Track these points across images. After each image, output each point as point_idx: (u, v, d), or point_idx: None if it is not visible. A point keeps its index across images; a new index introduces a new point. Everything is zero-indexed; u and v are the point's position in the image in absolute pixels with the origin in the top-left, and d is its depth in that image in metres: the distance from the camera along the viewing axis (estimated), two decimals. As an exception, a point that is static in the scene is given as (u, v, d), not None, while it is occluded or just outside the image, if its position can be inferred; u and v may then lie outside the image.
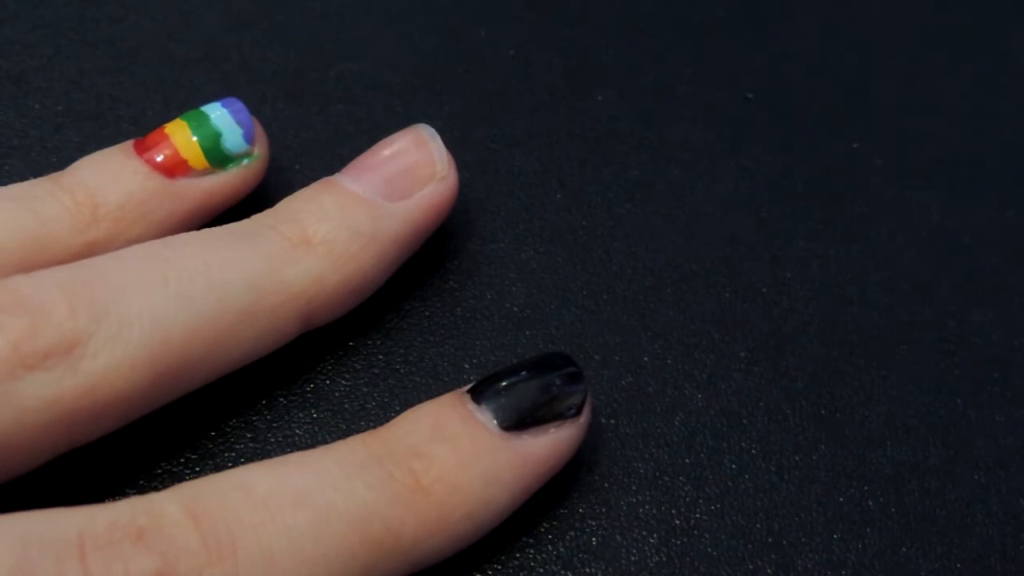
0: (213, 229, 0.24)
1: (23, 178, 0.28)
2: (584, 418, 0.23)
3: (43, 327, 0.21)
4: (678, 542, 0.24)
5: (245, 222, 0.25)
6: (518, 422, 0.22)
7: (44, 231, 0.23)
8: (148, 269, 0.22)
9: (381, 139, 0.26)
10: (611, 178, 0.30)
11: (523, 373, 0.23)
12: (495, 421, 0.22)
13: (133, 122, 0.29)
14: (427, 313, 0.27)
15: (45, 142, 0.29)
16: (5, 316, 0.21)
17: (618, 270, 0.28)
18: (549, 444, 0.23)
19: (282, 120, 0.30)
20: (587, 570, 0.24)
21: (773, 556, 0.24)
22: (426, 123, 0.27)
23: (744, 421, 0.26)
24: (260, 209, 0.26)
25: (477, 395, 0.23)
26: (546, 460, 0.23)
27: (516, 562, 0.24)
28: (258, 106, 0.30)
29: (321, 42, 0.31)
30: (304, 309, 0.24)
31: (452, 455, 0.22)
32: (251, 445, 0.25)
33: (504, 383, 0.23)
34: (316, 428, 0.25)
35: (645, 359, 0.27)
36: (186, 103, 0.30)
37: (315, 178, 0.28)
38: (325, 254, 0.24)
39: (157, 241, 0.23)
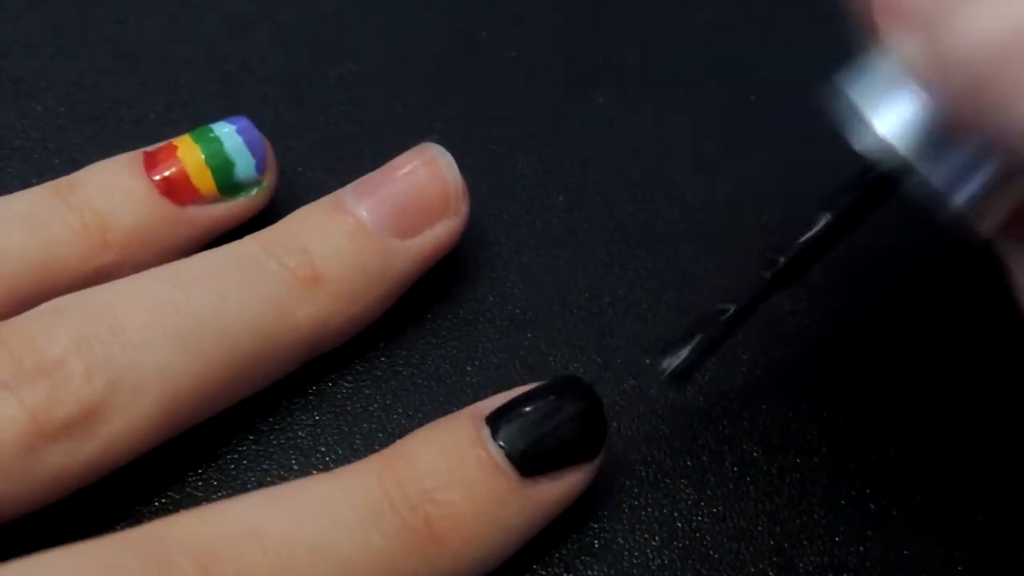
0: (220, 256, 0.24)
1: (24, 180, 0.28)
2: (600, 457, 0.23)
3: (62, 396, 0.20)
4: (680, 544, 0.24)
5: (251, 244, 0.24)
6: (538, 469, 0.22)
7: (53, 256, 0.23)
8: (161, 318, 0.22)
9: (380, 142, 0.26)
10: (612, 180, 0.30)
11: (546, 412, 0.22)
12: (514, 468, 0.22)
13: (135, 123, 0.29)
14: (429, 315, 0.27)
15: (47, 143, 0.29)
16: (23, 383, 0.20)
17: (619, 272, 0.28)
18: (565, 488, 0.22)
19: (283, 121, 0.30)
20: (589, 572, 0.24)
21: (775, 558, 0.24)
22: (426, 124, 0.26)
23: (746, 423, 0.26)
24: (260, 211, 0.26)
25: (497, 430, 0.22)
26: (559, 504, 0.23)
27: (518, 565, 0.24)
28: (259, 107, 0.30)
29: (322, 43, 0.31)
30: (309, 348, 0.24)
31: (469, 504, 0.21)
32: (253, 447, 0.25)
33: (526, 423, 0.22)
34: (318, 430, 0.25)
35: (647, 361, 0.27)
36: (188, 104, 0.30)
37: (315, 179, 0.28)
38: (333, 294, 0.24)
39: (166, 275, 0.23)
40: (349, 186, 0.25)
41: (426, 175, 0.25)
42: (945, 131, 0.20)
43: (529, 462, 0.22)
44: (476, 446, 0.22)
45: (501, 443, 0.22)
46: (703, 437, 0.26)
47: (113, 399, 0.21)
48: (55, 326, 0.21)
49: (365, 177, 0.25)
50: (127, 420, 0.21)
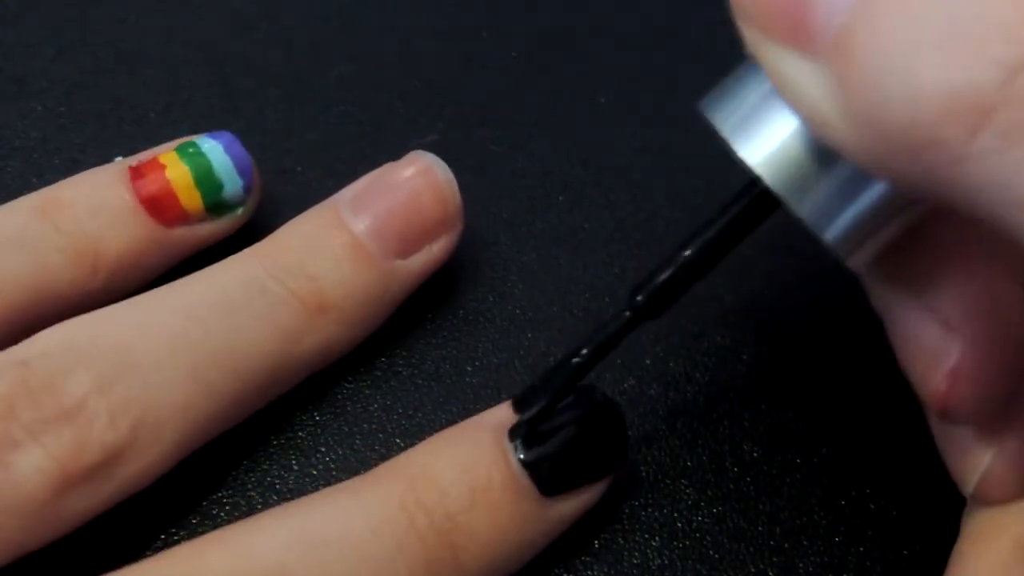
0: (230, 286, 0.23)
1: (25, 179, 0.28)
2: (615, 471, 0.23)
3: (87, 443, 0.20)
4: (680, 544, 0.24)
5: (257, 270, 0.23)
6: (560, 490, 0.22)
7: (45, 284, 0.23)
8: (177, 356, 0.22)
9: (380, 142, 0.26)
10: (613, 180, 0.30)
11: (571, 431, 0.22)
12: (537, 488, 0.22)
13: (135, 123, 0.29)
14: (429, 315, 0.27)
15: (47, 143, 0.29)
16: (49, 432, 0.20)
17: (620, 272, 0.28)
18: (581, 504, 0.22)
19: (283, 122, 0.30)
20: (589, 572, 0.24)
21: (775, 559, 0.24)
22: (426, 124, 0.26)
23: (746, 424, 0.26)
24: (261, 212, 0.26)
25: (520, 447, 0.22)
26: (574, 517, 0.22)
27: (519, 565, 0.24)
28: (259, 107, 0.30)
29: (322, 44, 0.31)
30: (312, 369, 0.24)
31: (491, 529, 0.21)
32: (254, 448, 0.25)
33: (552, 444, 0.22)
34: (318, 430, 0.25)
35: (647, 362, 0.27)
36: (188, 104, 0.30)
37: (316, 179, 0.28)
38: (338, 320, 0.24)
39: (180, 310, 0.22)
40: (346, 194, 0.25)
41: (424, 187, 0.25)
42: (818, 161, 0.18)
43: (552, 483, 0.22)
44: (500, 467, 0.21)
45: (524, 462, 0.22)
46: (703, 437, 0.26)
47: (136, 441, 0.21)
48: (74, 367, 0.21)
49: (361, 184, 0.25)
50: (147, 460, 0.21)
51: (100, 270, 0.24)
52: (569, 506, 0.22)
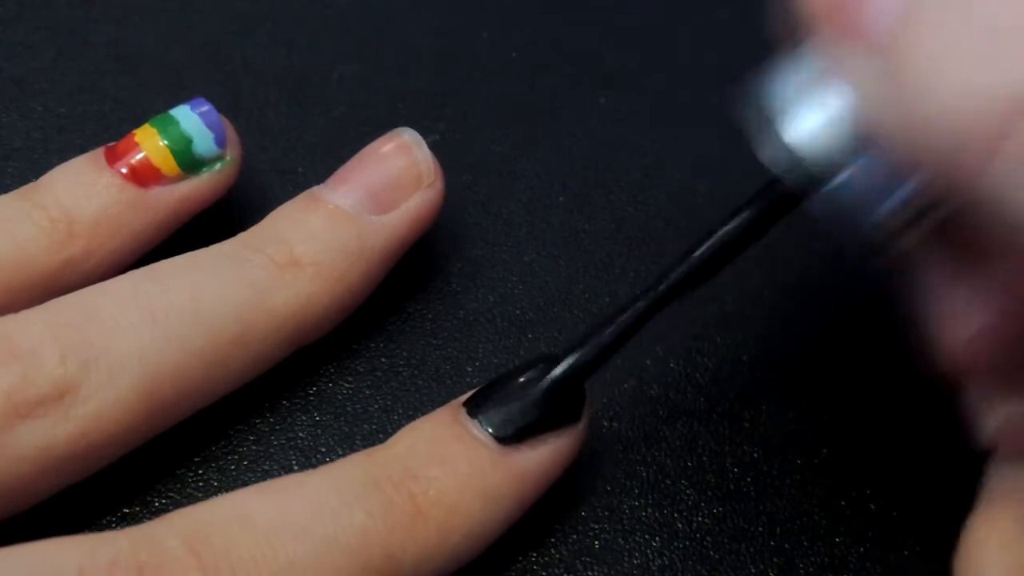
0: (198, 253, 0.24)
1: (25, 180, 0.28)
2: (583, 423, 0.23)
3: (35, 376, 0.21)
4: (680, 545, 0.24)
5: (231, 243, 0.24)
6: (515, 435, 0.22)
7: (22, 254, 0.23)
8: (135, 306, 0.22)
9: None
10: (613, 181, 0.30)
11: (518, 380, 0.23)
12: (492, 436, 0.22)
13: (135, 124, 0.29)
14: (429, 316, 0.27)
15: (48, 144, 0.29)
16: None
17: (620, 273, 0.28)
18: (548, 455, 0.22)
19: (284, 122, 0.30)
20: (589, 573, 0.24)
21: (775, 559, 0.24)
22: (426, 124, 0.26)
23: (746, 424, 0.26)
24: (262, 212, 0.26)
25: (473, 408, 0.22)
26: (545, 472, 0.23)
27: (519, 566, 0.24)
28: (259, 107, 0.30)
29: (323, 44, 0.31)
30: (294, 332, 0.24)
31: (450, 477, 0.21)
32: (254, 448, 0.25)
33: (499, 394, 0.23)
34: (319, 431, 0.25)
35: (647, 362, 0.27)
36: (188, 104, 0.30)
37: (316, 179, 0.28)
38: (313, 275, 0.24)
39: (142, 272, 0.23)
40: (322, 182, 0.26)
41: (393, 153, 0.25)
42: (859, 149, 0.18)
43: (507, 429, 0.22)
44: (454, 425, 0.22)
45: (477, 418, 0.22)
46: (703, 438, 0.26)
47: (87, 380, 0.21)
48: (30, 318, 0.22)
49: (338, 170, 0.26)
50: (103, 402, 0.21)
51: (77, 234, 0.24)
52: (534, 456, 0.22)
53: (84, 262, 0.24)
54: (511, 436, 0.22)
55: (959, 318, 0.21)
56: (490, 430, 0.22)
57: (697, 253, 0.22)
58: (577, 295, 0.28)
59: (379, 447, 0.22)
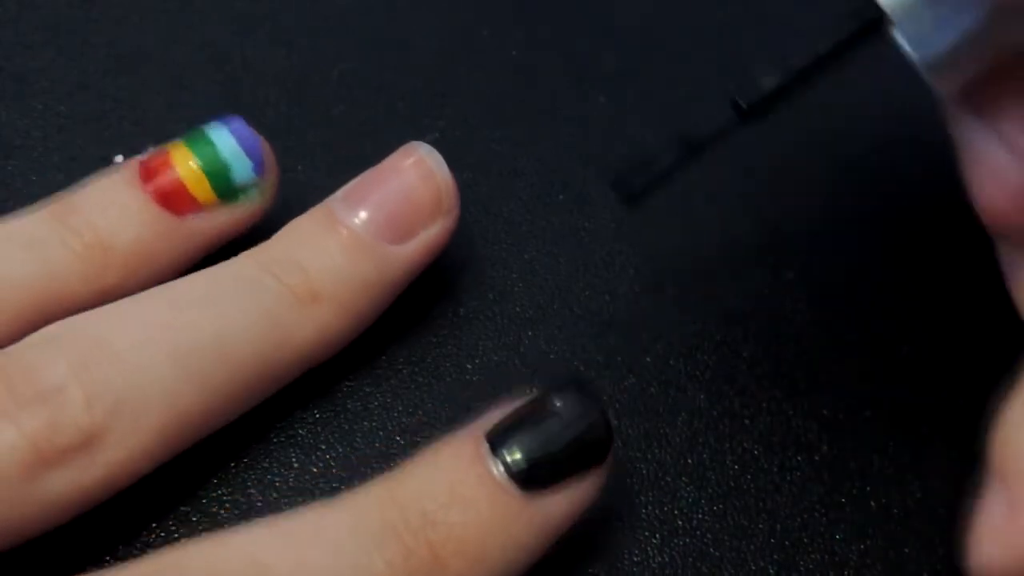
0: (218, 276, 0.23)
1: (25, 179, 0.28)
2: (607, 463, 0.22)
3: (62, 424, 0.20)
4: (680, 542, 0.24)
5: (249, 264, 0.24)
6: (541, 483, 0.21)
7: (56, 283, 0.23)
8: (159, 342, 0.22)
9: (381, 142, 0.26)
10: (612, 180, 0.30)
11: (546, 423, 0.22)
12: (516, 483, 0.21)
13: (135, 124, 0.29)
14: (429, 314, 0.27)
15: (47, 143, 0.29)
16: (23, 412, 0.20)
17: (620, 271, 0.28)
18: (572, 499, 0.22)
19: (284, 122, 0.30)
20: (590, 570, 0.24)
21: (775, 556, 0.24)
22: (426, 124, 0.26)
23: (746, 422, 0.26)
24: (262, 212, 0.26)
25: (497, 444, 0.21)
26: (568, 518, 0.22)
27: (519, 562, 0.24)
28: (259, 107, 0.30)
29: (323, 44, 0.31)
30: (308, 361, 0.24)
31: (471, 526, 0.21)
32: (254, 446, 0.25)
33: (526, 436, 0.21)
34: (319, 428, 0.25)
35: (648, 360, 0.27)
36: (188, 104, 0.30)
37: (316, 179, 0.29)
38: (331, 310, 0.24)
39: (163, 299, 0.23)
40: (339, 193, 0.25)
41: (416, 176, 0.25)
42: None
43: (530, 477, 0.21)
44: (476, 464, 0.21)
45: (501, 459, 0.21)
46: (703, 435, 0.26)
47: (114, 425, 0.21)
48: (52, 354, 0.21)
49: (355, 182, 0.25)
50: (129, 446, 0.21)
51: (111, 264, 0.23)
52: (556, 504, 0.21)
53: (117, 292, 0.23)
54: (536, 485, 0.21)
55: (1001, 173, 0.22)
56: (515, 471, 0.21)
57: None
58: (577, 293, 0.28)
59: (396, 475, 0.21)
